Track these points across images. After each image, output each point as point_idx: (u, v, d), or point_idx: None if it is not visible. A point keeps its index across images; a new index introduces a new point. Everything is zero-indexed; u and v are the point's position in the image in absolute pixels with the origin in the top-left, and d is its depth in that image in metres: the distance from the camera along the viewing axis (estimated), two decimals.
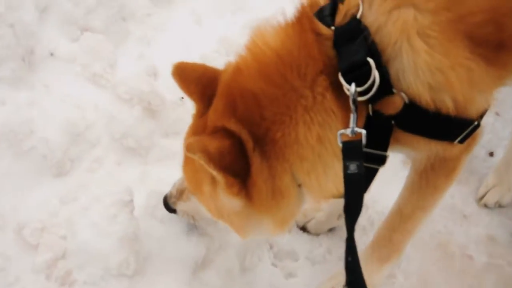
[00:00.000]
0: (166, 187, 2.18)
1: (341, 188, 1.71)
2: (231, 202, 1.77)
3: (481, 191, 2.74)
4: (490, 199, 2.71)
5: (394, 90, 1.63)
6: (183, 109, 2.66)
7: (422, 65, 1.60)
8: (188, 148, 1.62)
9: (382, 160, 1.77)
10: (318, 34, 1.64)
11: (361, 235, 2.46)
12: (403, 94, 1.63)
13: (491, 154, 2.95)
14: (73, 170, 2.35)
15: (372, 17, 1.61)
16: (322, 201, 1.91)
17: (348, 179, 1.60)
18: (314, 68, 1.63)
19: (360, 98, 1.61)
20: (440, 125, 1.71)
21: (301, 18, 1.67)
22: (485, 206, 2.72)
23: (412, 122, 1.70)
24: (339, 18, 1.65)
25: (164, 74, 2.64)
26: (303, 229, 2.54)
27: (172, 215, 2.20)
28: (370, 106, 1.66)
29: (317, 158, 1.70)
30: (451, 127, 1.74)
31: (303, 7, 1.68)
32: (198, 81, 1.84)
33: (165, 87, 2.62)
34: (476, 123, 1.74)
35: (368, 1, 1.61)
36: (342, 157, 1.62)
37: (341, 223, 2.46)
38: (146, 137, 2.50)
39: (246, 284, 2.25)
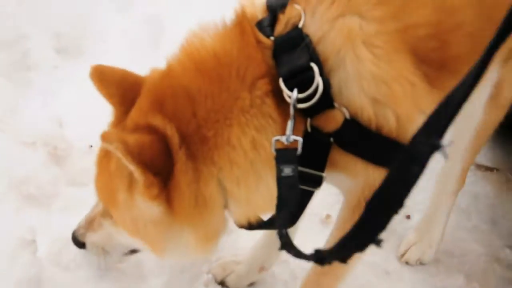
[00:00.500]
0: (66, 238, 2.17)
1: (268, 207, 1.76)
2: (149, 207, 1.73)
3: (402, 248, 2.91)
4: (412, 256, 2.88)
5: (335, 104, 1.69)
6: (92, 158, 2.69)
7: (367, 75, 1.66)
8: (104, 137, 1.57)
9: (318, 182, 1.81)
10: (258, 41, 1.69)
11: None
12: (344, 109, 1.71)
13: (408, 217, 3.17)
14: None
15: (315, 26, 1.68)
16: (245, 221, 1.90)
17: (283, 182, 1.64)
18: (255, 71, 1.67)
19: (300, 105, 1.65)
20: (379, 146, 1.78)
21: (241, 21, 1.73)
22: (407, 263, 2.88)
23: (352, 140, 1.76)
24: (280, 28, 1.71)
25: (71, 122, 2.69)
26: (222, 283, 2.54)
27: (80, 261, 2.18)
28: (308, 120, 1.72)
29: (249, 166, 1.72)
30: (389, 150, 1.80)
31: (243, 11, 1.74)
32: (118, 84, 1.83)
33: (73, 135, 2.66)
34: None
35: (311, 10, 1.68)
36: (275, 162, 1.66)
37: (262, 277, 2.53)
38: (49, 184, 2.48)
39: None
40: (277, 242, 2.36)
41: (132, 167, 1.62)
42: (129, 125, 1.76)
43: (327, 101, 1.68)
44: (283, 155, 1.67)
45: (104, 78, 1.84)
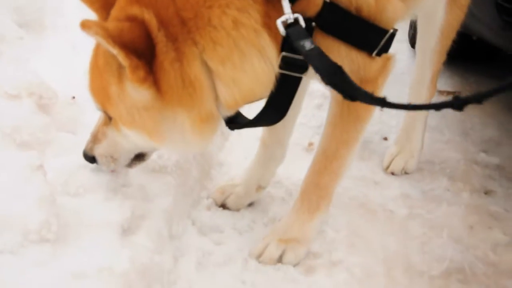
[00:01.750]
0: (71, 169, 2.30)
1: (256, 84, 1.93)
2: (140, 93, 1.89)
3: (386, 160, 3.14)
4: (396, 166, 3.11)
5: None
6: (76, 108, 2.83)
7: None
8: (83, 24, 1.72)
9: (303, 67, 1.99)
10: None
11: (281, 205, 2.70)
12: None
13: (385, 138, 3.43)
14: None
15: None
16: (235, 104, 2.04)
17: (311, 54, 1.79)
18: None
19: None
20: (359, 28, 1.98)
21: None
22: (392, 173, 3.11)
23: (333, 23, 1.94)
24: None
25: (51, 77, 2.81)
26: (223, 206, 2.70)
27: (87, 187, 2.30)
28: (289, 5, 1.88)
29: (232, 44, 1.87)
30: (369, 32, 2.01)
31: None
32: None
33: (55, 87, 2.78)
34: (391, 31, 2.04)
35: None
36: (292, 40, 1.82)
37: (260, 197, 2.70)
38: (41, 131, 2.59)
39: (177, 248, 2.34)
40: (271, 161, 2.57)
41: (114, 51, 1.77)
42: (111, 20, 1.92)
43: None
44: (296, 33, 1.83)
45: None
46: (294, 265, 2.38)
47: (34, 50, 3.17)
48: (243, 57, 1.90)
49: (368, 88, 2.07)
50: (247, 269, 2.32)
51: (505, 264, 2.48)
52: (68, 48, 3.27)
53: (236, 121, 2.13)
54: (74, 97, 2.80)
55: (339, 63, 1.92)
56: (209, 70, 1.91)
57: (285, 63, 1.94)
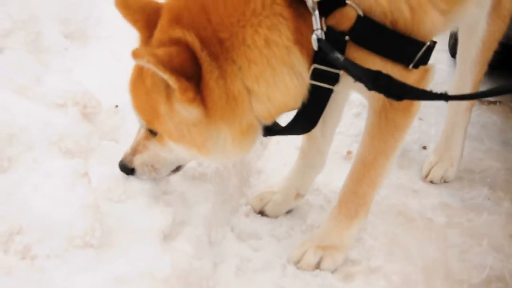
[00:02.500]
0: (114, 177, 2.36)
1: (289, 99, 2.01)
2: (189, 112, 1.98)
3: (426, 168, 3.13)
4: (436, 175, 3.10)
5: (348, 1, 1.93)
6: (119, 116, 2.90)
7: None
8: (135, 53, 1.82)
9: (335, 79, 2.05)
10: None
11: (319, 213, 2.72)
12: (356, 6, 1.94)
13: (424, 147, 3.41)
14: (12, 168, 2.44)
15: None
16: (270, 117, 2.12)
17: (344, 65, 1.88)
18: None
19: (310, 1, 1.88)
20: (394, 41, 2.00)
21: None
22: (432, 182, 3.10)
23: (366, 37, 1.97)
24: None
25: (95, 87, 2.89)
26: (261, 213, 2.73)
27: (129, 194, 2.35)
28: (323, 19, 1.95)
29: (266, 62, 1.95)
30: (405, 45, 2.03)
31: None
32: (142, 10, 2.10)
33: (99, 96, 2.86)
34: (428, 44, 2.05)
35: None
36: (327, 53, 1.88)
37: (298, 204, 2.72)
38: (84, 139, 2.67)
39: (217, 254, 2.38)
40: (310, 169, 2.60)
41: (165, 76, 1.86)
42: (154, 43, 2.01)
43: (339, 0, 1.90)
44: (327, 47, 1.89)
45: (128, 5, 2.10)
46: (332, 272, 2.40)
47: (78, 60, 3.26)
48: (276, 74, 1.98)
49: (406, 101, 2.09)
50: (285, 275, 2.35)
51: None
52: (110, 58, 3.34)
53: (271, 129, 2.18)
54: (117, 106, 2.87)
55: None
56: (246, 87, 1.99)
57: (316, 75, 2.01)
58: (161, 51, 1.89)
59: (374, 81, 1.80)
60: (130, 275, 2.02)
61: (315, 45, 1.91)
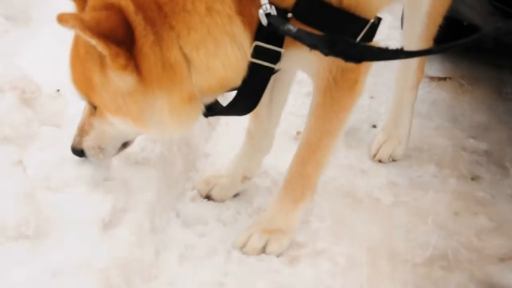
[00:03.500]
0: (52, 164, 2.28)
1: (230, 72, 1.94)
2: (122, 79, 1.89)
3: (374, 147, 3.11)
4: (384, 153, 3.08)
5: None
6: (61, 101, 2.80)
7: None
8: (60, 18, 1.73)
9: (276, 57, 2.00)
10: None
11: (267, 195, 2.68)
12: None
13: (374, 126, 3.39)
14: None
15: None
16: (211, 91, 2.05)
17: (300, 35, 1.81)
18: None
19: None
20: (338, 18, 1.95)
21: None
22: (380, 161, 3.07)
23: (310, 14, 1.92)
24: None
25: (35, 70, 2.79)
26: (208, 197, 2.68)
27: (69, 181, 2.28)
28: None
29: (206, 30, 1.88)
30: (349, 22, 1.98)
31: None
32: None
33: (39, 80, 2.76)
34: (372, 21, 2.01)
35: None
36: (277, 26, 1.83)
37: (246, 187, 2.67)
38: (24, 125, 2.57)
39: (159, 242, 2.32)
40: (257, 151, 2.55)
41: (93, 41, 1.77)
42: (88, 9, 1.91)
43: None
44: (278, 20, 1.84)
45: None
46: (278, 256, 2.37)
47: (19, 42, 3.15)
48: (217, 43, 1.91)
49: (351, 77, 2.10)
50: (230, 261, 2.32)
51: (489, 250, 2.46)
52: (54, 40, 3.23)
53: (211, 108, 2.13)
54: (59, 90, 2.78)
55: (316, 58, 1.97)
56: (185, 55, 1.91)
57: (257, 53, 1.95)
58: (88, 16, 1.81)
59: (331, 46, 1.75)
60: (66, 266, 1.96)
61: (264, 20, 1.85)
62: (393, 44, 4.02)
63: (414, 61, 2.92)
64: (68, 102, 2.76)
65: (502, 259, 2.41)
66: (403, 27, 2.94)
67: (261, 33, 1.92)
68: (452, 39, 3.61)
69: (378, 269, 2.32)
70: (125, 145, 2.30)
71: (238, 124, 3.04)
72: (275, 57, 1.98)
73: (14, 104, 2.57)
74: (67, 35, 2.72)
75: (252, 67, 1.98)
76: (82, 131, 2.19)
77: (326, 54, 1.72)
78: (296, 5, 1.91)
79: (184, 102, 1.97)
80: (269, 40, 1.95)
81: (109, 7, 1.84)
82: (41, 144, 2.54)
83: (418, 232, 2.52)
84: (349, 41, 1.73)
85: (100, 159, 2.24)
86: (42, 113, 2.68)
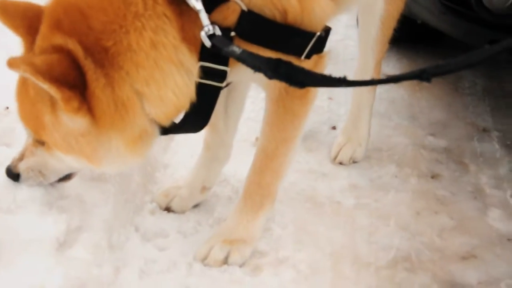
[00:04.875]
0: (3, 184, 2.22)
1: (182, 98, 1.93)
2: (75, 122, 1.87)
3: (334, 150, 3.09)
4: (344, 155, 3.07)
5: None
6: (11, 119, 2.73)
7: None
8: (10, 63, 1.71)
9: (222, 76, 1.98)
10: None
11: (227, 204, 2.64)
12: (239, 1, 1.87)
13: (334, 127, 3.38)
14: None
15: None
16: (166, 118, 2.03)
17: (243, 57, 1.77)
18: None
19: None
20: (282, 34, 1.94)
21: None
22: (341, 163, 3.06)
23: (253, 32, 1.91)
24: None
25: None
26: (168, 209, 2.63)
27: (20, 203, 2.22)
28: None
29: (154, 65, 1.86)
30: (294, 37, 1.98)
31: None
32: (23, 15, 1.96)
33: None
34: (319, 34, 2.00)
35: None
36: (220, 48, 1.80)
37: (205, 198, 2.63)
38: None
39: (118, 259, 2.26)
40: (215, 161, 2.52)
41: (45, 86, 1.75)
42: (36, 50, 1.88)
43: None
44: (221, 41, 1.81)
45: (7, 11, 1.96)
46: (240, 266, 2.33)
47: None
48: (165, 75, 1.90)
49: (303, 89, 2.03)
50: (191, 274, 2.28)
51: (450, 248, 2.46)
52: (2, 55, 3.13)
53: (165, 128, 2.08)
54: (7, 108, 2.70)
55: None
56: (137, 92, 1.90)
57: (204, 73, 1.94)
58: (39, 60, 1.77)
59: (275, 70, 1.71)
60: None
61: (207, 42, 1.83)
62: (350, 44, 4.08)
63: (370, 65, 2.92)
64: (17, 119, 2.67)
65: (463, 258, 2.41)
66: (358, 31, 2.93)
67: (205, 53, 1.91)
68: (407, 37, 3.67)
69: (341, 274, 2.30)
70: (69, 176, 2.24)
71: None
72: (221, 76, 1.97)
73: None
74: (15, 49, 2.67)
75: (199, 87, 1.96)
76: (22, 156, 2.15)
77: (270, 77, 1.70)
78: (239, 23, 1.89)
79: (139, 136, 1.96)
80: (213, 60, 1.93)
81: (58, 50, 1.81)
82: None
83: (381, 234, 2.51)
84: (293, 65, 1.70)
85: (38, 183, 2.16)
86: None
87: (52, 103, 1.88)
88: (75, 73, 1.82)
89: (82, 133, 1.92)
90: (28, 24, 1.96)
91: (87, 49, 1.82)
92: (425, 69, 1.55)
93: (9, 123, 2.66)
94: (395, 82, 1.74)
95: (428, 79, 1.52)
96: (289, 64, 1.72)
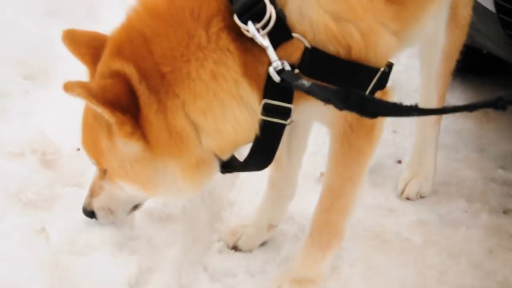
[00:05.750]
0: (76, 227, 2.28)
1: (241, 133, 1.94)
2: (130, 147, 1.91)
3: (400, 185, 3.06)
4: (411, 191, 3.03)
5: (294, 34, 1.88)
6: (82, 160, 2.80)
7: None
8: (66, 86, 1.77)
9: (287, 114, 1.99)
10: None
11: (294, 242, 2.64)
12: (302, 38, 1.89)
13: (399, 161, 3.34)
14: None
15: None
16: (222, 151, 2.04)
17: (313, 90, 1.78)
18: (209, 11, 1.86)
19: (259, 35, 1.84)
20: (346, 70, 1.94)
21: None
22: (408, 199, 3.02)
23: (317, 68, 1.91)
24: None
25: (55, 131, 2.81)
26: (235, 248, 2.65)
27: (93, 245, 2.27)
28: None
29: (213, 96, 1.89)
30: (357, 73, 1.97)
31: None
32: (89, 44, 2.04)
33: (59, 141, 2.77)
34: (383, 69, 2.00)
35: None
36: (291, 82, 1.81)
37: (272, 235, 2.64)
38: (46, 188, 2.57)
39: None
40: (280, 199, 2.53)
41: (99, 109, 1.80)
42: (96, 76, 1.96)
43: (284, 31, 1.85)
44: (291, 76, 1.83)
45: (75, 40, 2.05)
46: None
47: (39, 102, 3.17)
48: (224, 108, 1.91)
49: (367, 123, 2.07)
50: None
51: None
52: (73, 98, 3.25)
53: (228, 165, 2.11)
54: (79, 149, 2.77)
55: (330, 109, 1.87)
56: (192, 122, 1.92)
57: (267, 110, 1.94)
58: (93, 84, 1.84)
59: (345, 100, 1.71)
60: None
61: (275, 77, 1.83)
62: (413, 74, 4.03)
63: (434, 99, 2.88)
64: (88, 160, 2.75)
65: None
66: (420, 64, 2.90)
67: (269, 90, 1.92)
68: (471, 68, 3.61)
69: None
70: (136, 207, 2.28)
71: None
72: (286, 114, 1.97)
73: (35, 167, 2.58)
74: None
75: (263, 124, 1.97)
76: (93, 193, 2.20)
77: (341, 108, 1.68)
78: (302, 60, 1.89)
79: (196, 166, 1.97)
80: (278, 97, 1.94)
81: (115, 75, 1.87)
82: (64, 205, 2.53)
83: (452, 273, 2.46)
84: (363, 95, 1.69)
85: (110, 221, 2.23)
86: (63, 173, 2.68)
87: (108, 128, 1.94)
88: (129, 97, 1.86)
89: (136, 159, 1.96)
90: (94, 52, 2.04)
91: (143, 74, 1.87)
92: (500, 96, 1.50)
93: (80, 164, 2.73)
94: (468, 110, 1.70)
95: (503, 107, 1.47)
96: (359, 93, 1.72)
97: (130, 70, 1.85)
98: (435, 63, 2.80)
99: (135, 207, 2.30)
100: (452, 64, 2.84)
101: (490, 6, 2.91)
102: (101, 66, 1.97)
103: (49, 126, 2.88)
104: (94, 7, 4.12)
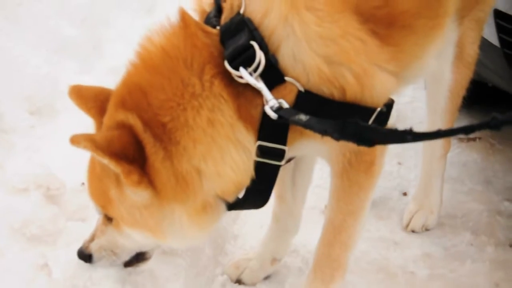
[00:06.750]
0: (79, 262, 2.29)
1: (240, 175, 1.97)
2: (138, 195, 1.94)
3: (406, 218, 3.06)
4: (416, 224, 3.03)
5: (287, 78, 1.91)
6: (86, 194, 2.83)
7: (314, 36, 1.87)
8: (72, 139, 1.82)
9: (281, 155, 2.02)
10: (205, 32, 1.94)
11: (298, 276, 2.64)
12: (295, 82, 1.92)
13: (405, 194, 3.35)
14: None
15: (257, 4, 1.92)
16: (225, 194, 2.06)
17: (310, 124, 1.80)
18: (201, 58, 1.92)
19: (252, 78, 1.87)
20: (340, 111, 1.94)
21: (184, 17, 1.96)
22: (413, 231, 3.03)
23: (311, 111, 1.89)
24: (224, 16, 1.96)
25: (59, 166, 2.84)
26: (238, 281, 2.65)
27: (95, 280, 2.29)
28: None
29: (211, 141, 1.93)
30: (353, 113, 1.90)
31: (181, 9, 1.97)
32: (95, 98, 2.11)
33: (63, 176, 2.81)
34: (380, 109, 2.01)
35: None
36: (287, 118, 1.83)
37: (276, 269, 2.65)
38: (50, 223, 2.60)
39: None
40: (284, 233, 2.54)
41: (105, 161, 1.85)
42: (103, 128, 2.02)
43: (276, 75, 1.89)
44: (288, 112, 1.85)
45: (81, 95, 2.12)
46: None
47: (45, 137, 3.22)
48: (222, 151, 1.95)
49: (366, 159, 2.09)
50: None
51: None
52: (79, 131, 3.29)
53: (232, 205, 2.13)
54: (83, 183, 2.80)
55: (327, 146, 1.97)
56: (195, 166, 1.95)
57: (262, 152, 1.98)
58: (99, 136, 1.89)
59: (342, 131, 1.72)
60: None
61: (272, 114, 1.85)
62: (418, 106, 4.06)
63: None
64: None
65: None
66: (426, 100, 2.93)
67: (263, 132, 1.96)
68: (477, 100, 3.63)
69: None
70: (141, 257, 2.29)
71: None
72: (279, 155, 2.00)
73: (40, 202, 2.61)
74: (91, 127, 2.81)
75: (257, 165, 2.00)
76: (94, 236, 2.21)
77: (337, 138, 1.70)
78: (296, 102, 1.92)
79: (202, 210, 2.01)
80: (272, 138, 1.98)
81: (120, 126, 1.92)
82: (67, 240, 2.56)
83: None
84: (359, 123, 1.71)
85: (111, 263, 2.22)
86: (67, 208, 2.72)
87: (116, 177, 1.97)
88: (134, 147, 1.91)
89: (145, 206, 1.99)
90: (99, 106, 2.10)
91: (146, 124, 1.92)
92: (494, 116, 1.52)
93: (85, 198, 2.75)
94: (463, 133, 1.70)
95: (498, 127, 1.49)
96: (355, 122, 1.72)
97: (134, 120, 1.91)
98: (441, 99, 2.82)
99: (141, 257, 2.29)
100: (458, 101, 2.86)
101: (495, 41, 2.94)
102: (106, 119, 2.03)
103: (53, 161, 2.91)
104: (101, 43, 4.19)
